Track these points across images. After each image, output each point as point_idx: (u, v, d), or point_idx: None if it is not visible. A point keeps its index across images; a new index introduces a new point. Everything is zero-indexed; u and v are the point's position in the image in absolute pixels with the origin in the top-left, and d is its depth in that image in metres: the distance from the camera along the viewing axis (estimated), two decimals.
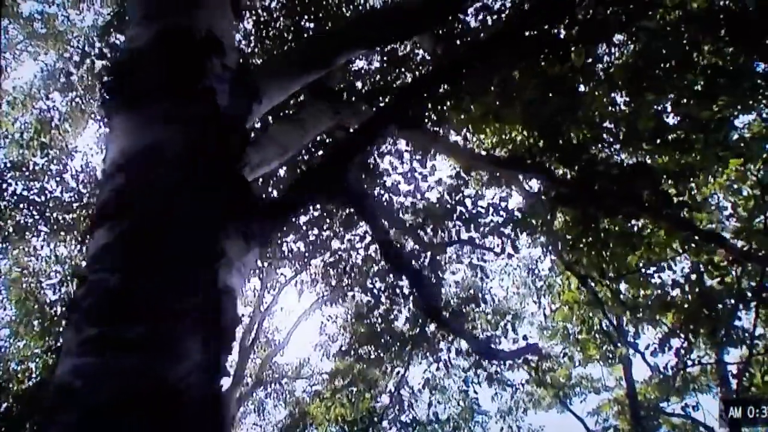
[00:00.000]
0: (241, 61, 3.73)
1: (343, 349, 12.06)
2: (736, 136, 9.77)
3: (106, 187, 3.02)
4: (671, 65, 7.18)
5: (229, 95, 3.46)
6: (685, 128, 6.84)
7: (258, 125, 6.58)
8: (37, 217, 14.35)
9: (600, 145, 7.26)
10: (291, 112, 5.65)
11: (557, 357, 19.69)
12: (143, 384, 2.46)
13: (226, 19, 3.68)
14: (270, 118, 6.51)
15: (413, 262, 8.56)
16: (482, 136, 8.31)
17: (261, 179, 7.93)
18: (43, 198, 14.20)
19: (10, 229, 14.76)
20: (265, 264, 12.84)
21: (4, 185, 14.33)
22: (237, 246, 3.10)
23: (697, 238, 7.92)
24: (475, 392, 14.30)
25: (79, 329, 2.61)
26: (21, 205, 14.31)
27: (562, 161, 7.04)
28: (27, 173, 14.57)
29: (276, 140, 4.46)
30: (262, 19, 9.13)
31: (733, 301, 11.14)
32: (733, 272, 11.81)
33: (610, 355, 16.88)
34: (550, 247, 9.19)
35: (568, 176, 7.32)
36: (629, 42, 8.63)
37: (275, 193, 8.07)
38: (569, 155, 6.80)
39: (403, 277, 8.77)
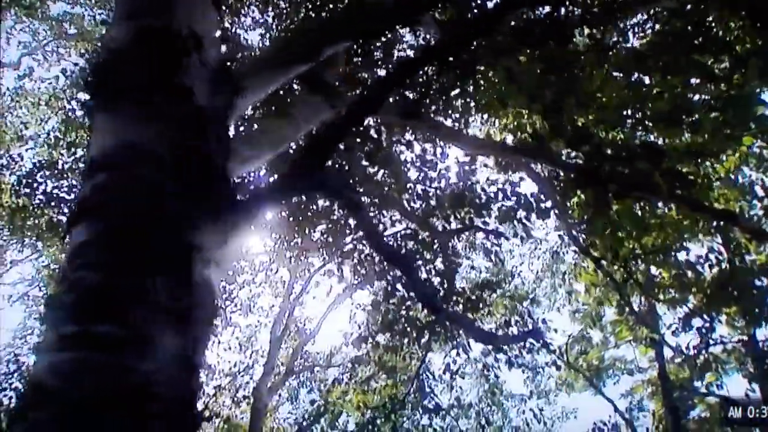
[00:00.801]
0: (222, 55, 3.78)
1: (363, 335, 12.10)
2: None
3: (87, 185, 3.09)
4: (688, 45, 7.05)
5: (210, 91, 3.51)
6: (691, 108, 6.73)
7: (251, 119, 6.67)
8: (68, 214, 14.60)
9: (607, 128, 7.18)
10: (285, 106, 5.67)
11: (581, 340, 19.57)
12: (119, 381, 2.50)
13: (207, 15, 3.73)
14: (263, 111, 6.56)
15: (427, 250, 8.61)
16: (488, 122, 8.30)
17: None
18: (72, 195, 14.44)
19: (44, 227, 15.06)
20: (294, 253, 12.92)
21: (35, 184, 14.58)
22: (215, 240, 3.15)
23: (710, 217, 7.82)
24: (496, 376, 14.26)
25: (56, 327, 2.66)
26: (52, 203, 14.54)
27: (568, 144, 6.99)
28: (56, 172, 14.82)
29: (268, 135, 4.51)
30: (283, 12, 9.15)
31: (764, 281, 11.01)
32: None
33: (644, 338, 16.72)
34: (564, 231, 9.16)
35: (577, 160, 7.27)
36: (649, 21, 8.53)
37: None
38: (575, 138, 6.74)
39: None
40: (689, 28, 7.15)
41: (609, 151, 6.83)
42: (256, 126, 6.26)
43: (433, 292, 7.23)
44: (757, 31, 6.86)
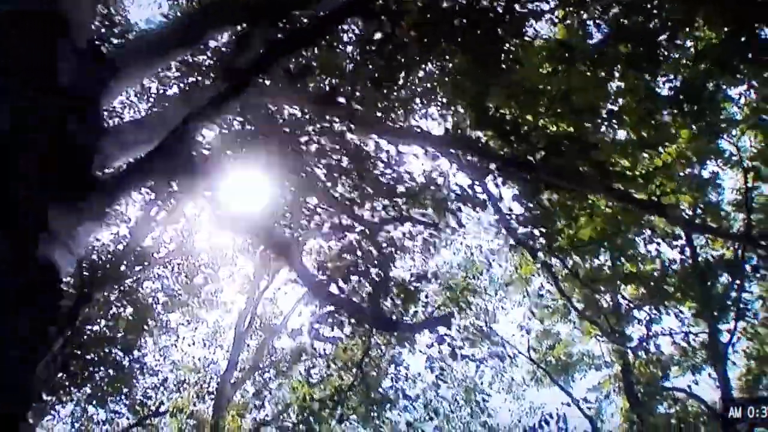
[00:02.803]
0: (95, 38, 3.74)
1: (301, 327, 12.00)
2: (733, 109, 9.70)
3: None
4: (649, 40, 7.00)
5: (79, 73, 3.47)
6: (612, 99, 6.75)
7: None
8: None
9: (534, 119, 7.14)
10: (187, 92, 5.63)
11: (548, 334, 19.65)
12: None
13: None
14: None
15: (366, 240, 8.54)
16: (414, 112, 8.25)
17: None
18: None
19: None
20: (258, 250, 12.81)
21: None
22: (65, 221, 3.12)
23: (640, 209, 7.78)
24: (442, 369, 14.14)
25: None
26: None
27: (495, 135, 6.97)
28: None
29: (164, 120, 4.44)
30: None
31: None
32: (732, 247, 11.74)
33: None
34: (500, 223, 9.15)
35: (506, 151, 7.23)
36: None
37: None
38: (501, 129, 6.72)
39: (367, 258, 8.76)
40: (651, 24, 7.13)
41: (538, 143, 6.81)
42: (151, 111, 6.22)
43: (317, 278, 7.16)
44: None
